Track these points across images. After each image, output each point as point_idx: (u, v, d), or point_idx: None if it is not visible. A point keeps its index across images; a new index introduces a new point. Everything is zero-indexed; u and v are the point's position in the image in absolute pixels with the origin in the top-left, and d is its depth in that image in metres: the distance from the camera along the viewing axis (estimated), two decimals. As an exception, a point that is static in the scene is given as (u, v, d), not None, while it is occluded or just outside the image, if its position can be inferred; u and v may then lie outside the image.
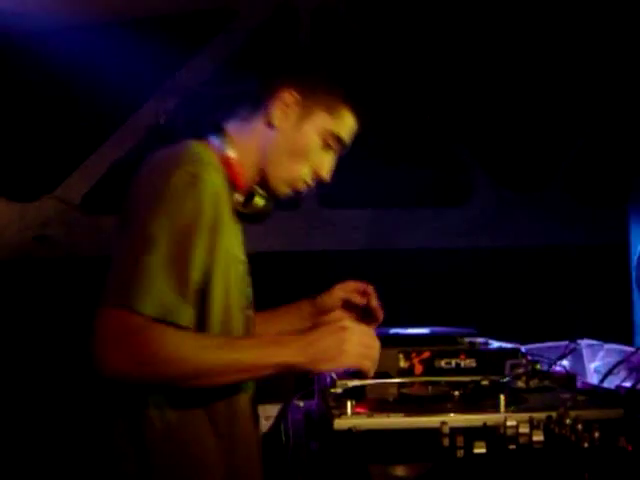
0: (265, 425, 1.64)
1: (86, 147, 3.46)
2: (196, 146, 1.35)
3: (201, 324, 1.25)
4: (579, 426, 1.25)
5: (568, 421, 1.27)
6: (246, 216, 1.42)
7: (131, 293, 1.14)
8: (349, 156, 3.61)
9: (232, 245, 1.35)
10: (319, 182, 1.47)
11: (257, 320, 1.64)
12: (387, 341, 1.80)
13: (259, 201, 1.41)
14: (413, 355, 1.77)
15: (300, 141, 1.41)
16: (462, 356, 1.78)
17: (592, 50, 3.30)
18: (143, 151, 3.79)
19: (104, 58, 3.21)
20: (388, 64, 3.41)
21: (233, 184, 1.38)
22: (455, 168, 3.59)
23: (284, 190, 1.45)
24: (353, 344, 1.27)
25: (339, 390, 1.57)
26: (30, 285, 3.33)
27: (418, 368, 1.78)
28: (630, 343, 2.06)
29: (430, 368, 1.78)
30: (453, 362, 1.78)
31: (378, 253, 3.56)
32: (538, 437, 1.23)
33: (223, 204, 1.29)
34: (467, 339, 1.99)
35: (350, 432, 1.28)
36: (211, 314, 1.27)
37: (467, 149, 3.54)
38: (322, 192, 3.47)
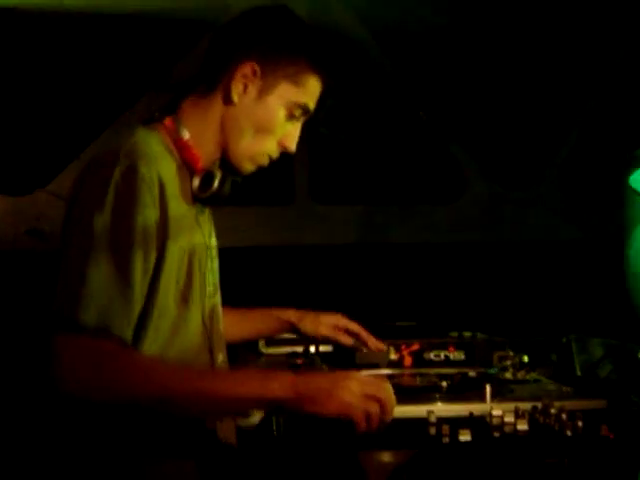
0: (257, 417, 1.66)
1: (80, 142, 3.47)
2: (141, 135, 1.28)
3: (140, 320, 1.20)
4: (563, 416, 1.29)
5: (553, 411, 1.31)
6: (205, 200, 1.34)
7: (81, 314, 1.11)
8: (342, 153, 3.63)
9: (187, 235, 1.29)
10: (284, 154, 1.39)
11: (233, 318, 1.63)
12: (378, 333, 1.85)
13: (217, 184, 1.31)
14: (403, 347, 1.82)
15: (264, 116, 1.33)
16: (451, 348, 1.83)
17: (585, 45, 3.33)
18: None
19: (99, 53, 3.22)
20: (383, 60, 3.44)
21: (190, 167, 1.32)
22: (448, 164, 3.62)
23: (248, 167, 1.37)
24: (348, 392, 1.14)
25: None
26: (24, 279, 3.34)
27: (407, 360, 1.82)
28: (618, 337, 2.10)
29: (419, 360, 1.82)
30: (442, 354, 1.83)
31: (370, 248, 3.59)
32: (523, 426, 1.26)
33: (168, 196, 1.23)
34: (456, 332, 2.03)
35: (340, 420, 1.31)
36: (148, 310, 1.21)
37: (460, 146, 3.58)
38: (315, 188, 3.52)
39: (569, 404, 1.36)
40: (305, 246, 3.51)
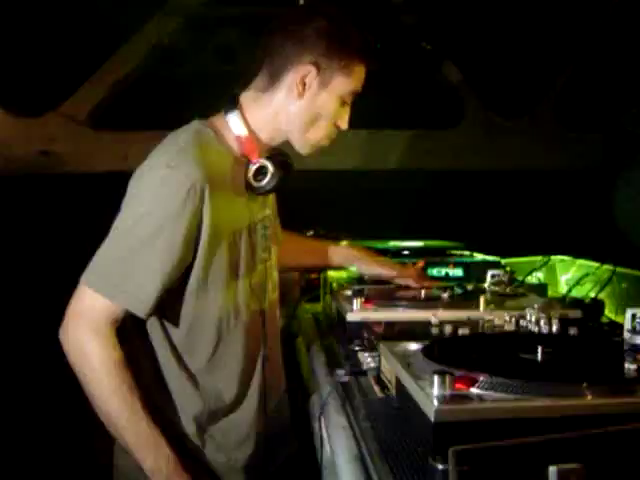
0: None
1: (91, 64, 3.68)
2: (196, 134, 1.52)
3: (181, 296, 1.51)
4: (542, 322, 1.65)
5: (534, 318, 1.68)
6: (256, 189, 1.59)
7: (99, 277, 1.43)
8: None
9: (235, 220, 1.55)
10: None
11: (302, 247, 2.06)
12: (387, 252, 2.22)
13: (269, 177, 1.56)
14: (409, 265, 2.18)
15: (323, 108, 1.57)
16: (451, 266, 2.21)
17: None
18: (146, 68, 4.02)
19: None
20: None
21: (247, 158, 1.57)
22: (447, 92, 3.89)
23: (311, 151, 1.63)
24: None
25: (349, 292, 1.97)
26: (36, 200, 3.61)
27: (414, 275, 2.18)
28: (598, 259, 2.43)
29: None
30: (443, 271, 2.20)
31: (371, 172, 3.90)
32: (509, 327, 1.63)
33: (214, 192, 1.46)
34: (456, 252, 2.41)
35: (360, 323, 1.68)
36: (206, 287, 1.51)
37: (460, 74, 3.84)
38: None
39: (548, 313, 1.72)
40: (307, 170, 3.80)
